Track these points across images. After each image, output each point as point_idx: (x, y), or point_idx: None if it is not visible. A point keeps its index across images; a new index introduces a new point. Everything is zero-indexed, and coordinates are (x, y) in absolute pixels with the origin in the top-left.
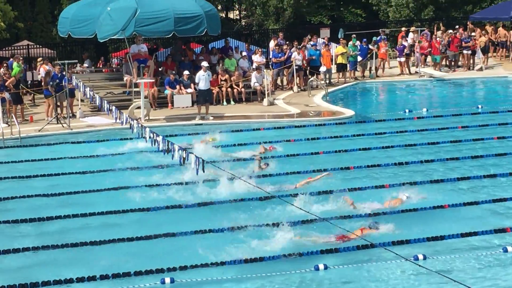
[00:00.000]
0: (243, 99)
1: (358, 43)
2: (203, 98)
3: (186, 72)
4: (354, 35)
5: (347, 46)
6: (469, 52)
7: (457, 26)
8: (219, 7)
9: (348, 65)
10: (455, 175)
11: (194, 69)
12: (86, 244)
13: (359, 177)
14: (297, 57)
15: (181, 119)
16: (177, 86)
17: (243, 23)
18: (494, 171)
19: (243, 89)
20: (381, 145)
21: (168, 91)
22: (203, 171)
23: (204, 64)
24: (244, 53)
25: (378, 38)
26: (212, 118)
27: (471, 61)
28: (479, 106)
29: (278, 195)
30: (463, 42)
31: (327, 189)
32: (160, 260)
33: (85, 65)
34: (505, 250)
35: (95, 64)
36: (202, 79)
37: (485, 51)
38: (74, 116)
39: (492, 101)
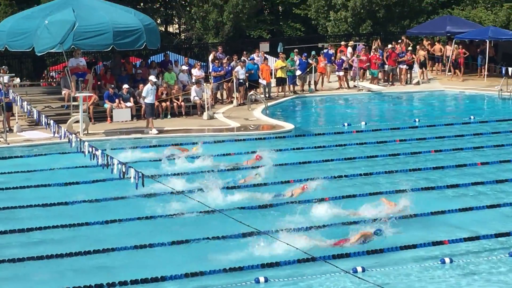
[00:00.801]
0: (183, 113)
1: (297, 57)
2: (151, 111)
3: (125, 86)
4: (296, 50)
5: (286, 60)
6: (406, 66)
7: (399, 41)
8: (159, 21)
9: (287, 79)
10: (394, 188)
11: (133, 82)
12: (22, 260)
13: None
14: (240, 71)
15: (122, 133)
16: (116, 100)
17: (183, 37)
18: (432, 184)
19: (182, 103)
20: (321, 158)
21: (107, 105)
22: (143, 186)
23: (152, 78)
24: (183, 67)
25: (326, 50)
26: (157, 132)
27: (408, 75)
28: (416, 120)
29: (220, 209)
30: (399, 57)
31: (267, 203)
32: (98, 276)
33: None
34: (443, 262)
35: (34, 78)
36: (151, 92)
37: (422, 65)
38: (11, 130)
39: (429, 115)
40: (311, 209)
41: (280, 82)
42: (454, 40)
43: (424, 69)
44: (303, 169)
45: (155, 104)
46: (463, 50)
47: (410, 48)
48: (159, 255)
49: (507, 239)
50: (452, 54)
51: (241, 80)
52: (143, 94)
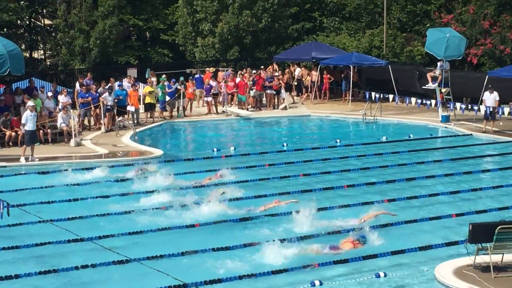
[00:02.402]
0: (49, 140)
1: (166, 83)
2: (31, 138)
3: None
4: (164, 76)
5: (154, 85)
6: (273, 91)
7: (262, 67)
8: (23, 47)
9: (156, 104)
10: (264, 213)
11: None
12: None
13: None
14: (107, 98)
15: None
16: None
17: (48, 63)
18: (298, 207)
19: (49, 130)
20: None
21: None
22: (8, 215)
23: (30, 103)
24: (49, 93)
25: (197, 76)
26: (37, 159)
27: (276, 100)
28: (284, 144)
29: (89, 237)
30: (267, 82)
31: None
32: None
33: None
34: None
35: None
36: (30, 119)
37: (291, 90)
38: None
39: (296, 139)
40: None
41: (149, 107)
42: (319, 66)
43: (291, 93)
44: (176, 193)
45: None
46: (328, 75)
47: (277, 73)
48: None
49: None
50: (317, 80)
51: (109, 107)
52: (23, 121)
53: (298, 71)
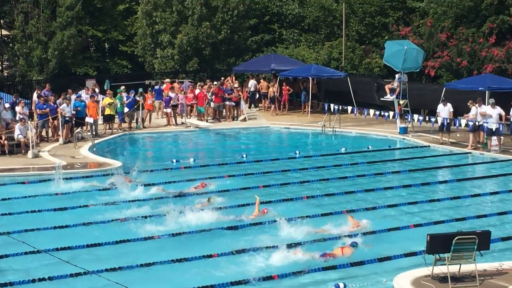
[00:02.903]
0: (6, 152)
1: (125, 94)
2: None
3: None
4: (123, 87)
5: (113, 97)
6: (233, 103)
7: (222, 78)
8: None
9: (115, 116)
10: (225, 225)
11: None
12: None
13: (130, 228)
14: (66, 109)
15: None
16: None
17: (5, 74)
18: (260, 219)
19: (6, 141)
20: (151, 196)
21: None
22: None
23: None
24: (6, 105)
25: (158, 87)
26: None
27: (235, 112)
28: (244, 155)
29: (46, 249)
30: (226, 94)
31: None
32: None
33: None
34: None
35: None
36: None
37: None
38: None
39: (255, 150)
40: None
41: (108, 119)
42: (278, 77)
43: (252, 105)
44: (134, 205)
45: None
46: (287, 87)
47: (236, 85)
48: None
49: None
50: (277, 91)
51: (67, 118)
52: None
53: (251, 83)
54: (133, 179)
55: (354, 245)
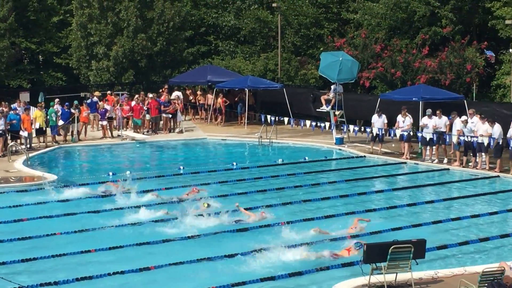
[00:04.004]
0: None
1: (59, 106)
2: None
3: None
4: (58, 99)
5: (48, 109)
6: (169, 115)
7: (160, 90)
8: None
9: (49, 129)
10: (162, 238)
11: None
12: None
13: (64, 242)
14: None
15: None
16: None
17: None
18: (196, 232)
19: None
20: (88, 209)
21: None
22: None
23: None
24: None
25: (89, 100)
26: None
27: (172, 124)
28: (181, 167)
29: None
30: (163, 106)
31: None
32: None
33: None
34: None
35: None
36: None
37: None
38: None
39: (193, 162)
40: None
41: (39, 132)
42: (215, 89)
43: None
44: (69, 220)
45: None
46: (224, 98)
47: (173, 97)
48: None
49: None
50: (213, 103)
51: (1, 131)
52: None
53: (174, 95)
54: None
55: (356, 245)
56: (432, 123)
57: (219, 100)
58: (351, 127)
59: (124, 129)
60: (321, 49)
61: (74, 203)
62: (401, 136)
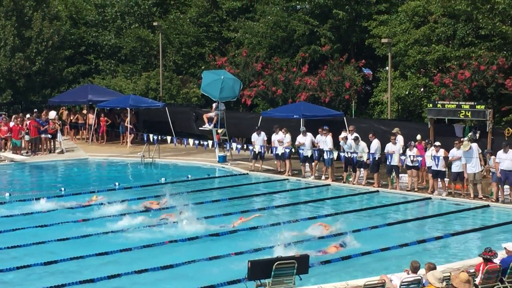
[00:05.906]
0: None
1: None
2: None
3: None
4: None
5: None
6: (49, 135)
7: (36, 111)
8: None
9: None
10: (44, 260)
11: None
12: None
13: None
14: None
15: None
16: None
17: None
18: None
19: None
20: None
21: None
22: None
23: None
24: None
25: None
26: None
27: (52, 144)
28: (62, 189)
29: None
30: (41, 126)
31: None
32: None
33: None
34: None
35: None
36: None
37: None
38: None
39: (74, 183)
40: None
41: None
42: (96, 109)
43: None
44: None
45: None
46: (105, 118)
47: (53, 117)
48: None
49: None
50: (94, 122)
51: None
52: None
53: (52, 114)
54: None
55: (342, 244)
56: (307, 140)
57: (101, 119)
58: (234, 145)
59: (3, 150)
60: (203, 67)
61: None
62: (283, 154)
